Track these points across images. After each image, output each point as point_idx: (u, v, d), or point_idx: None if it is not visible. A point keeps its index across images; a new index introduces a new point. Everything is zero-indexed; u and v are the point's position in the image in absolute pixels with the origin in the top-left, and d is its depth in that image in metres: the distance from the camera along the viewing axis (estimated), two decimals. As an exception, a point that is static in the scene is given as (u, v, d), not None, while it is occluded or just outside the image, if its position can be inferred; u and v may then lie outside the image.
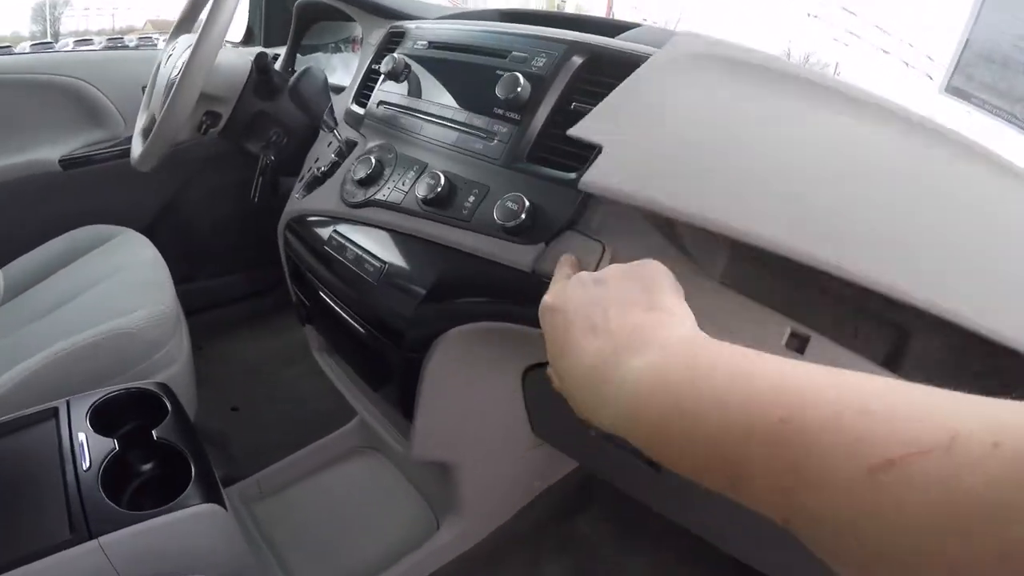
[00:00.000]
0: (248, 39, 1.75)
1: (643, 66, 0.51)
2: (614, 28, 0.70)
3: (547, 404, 0.65)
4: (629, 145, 0.48)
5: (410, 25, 0.85)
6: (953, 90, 0.79)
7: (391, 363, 0.65)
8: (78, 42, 2.03)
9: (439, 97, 0.71)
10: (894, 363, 0.49)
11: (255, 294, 1.35)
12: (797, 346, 0.45)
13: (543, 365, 0.58)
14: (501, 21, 0.89)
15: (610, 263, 0.48)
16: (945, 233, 0.39)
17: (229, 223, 1.30)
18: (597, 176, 0.48)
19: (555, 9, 3.12)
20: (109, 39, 2.07)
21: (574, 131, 0.51)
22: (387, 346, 0.64)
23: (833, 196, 0.41)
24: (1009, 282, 0.38)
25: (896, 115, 0.45)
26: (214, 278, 1.32)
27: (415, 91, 0.75)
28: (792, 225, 0.40)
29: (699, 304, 0.35)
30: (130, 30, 2.35)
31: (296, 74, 0.82)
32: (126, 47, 1.78)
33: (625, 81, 0.51)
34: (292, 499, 1.00)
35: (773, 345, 0.45)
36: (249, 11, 1.74)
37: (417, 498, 0.90)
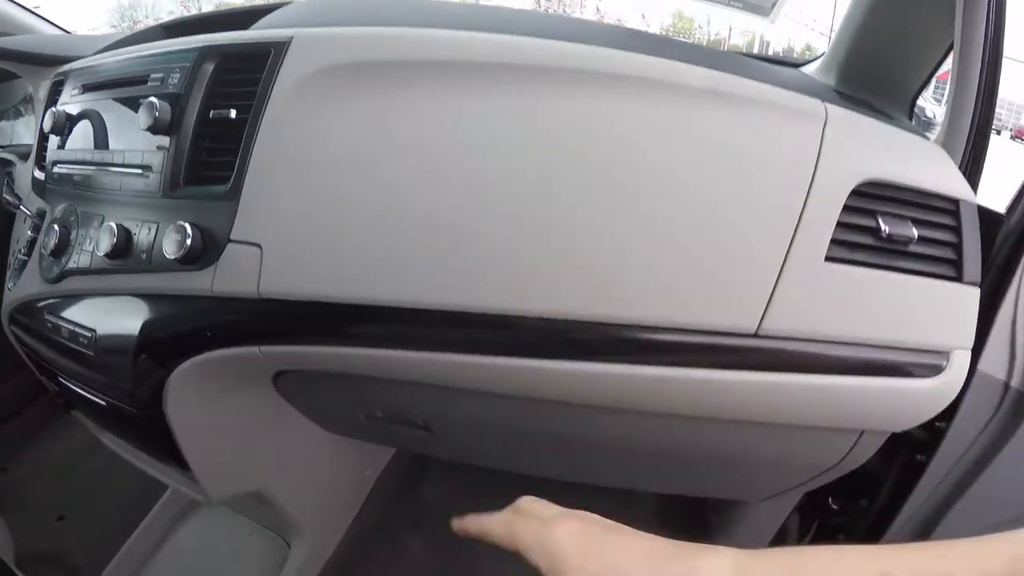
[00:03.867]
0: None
1: (268, 110, 0.50)
2: (258, 15, 0.68)
3: (312, 401, 0.65)
4: (285, 237, 0.48)
5: (70, 68, 0.77)
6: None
7: (140, 424, 0.61)
8: None
9: (100, 143, 0.65)
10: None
11: (34, 396, 1.21)
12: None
13: (289, 371, 0.57)
14: (166, 37, 0.83)
15: (261, 263, 0.48)
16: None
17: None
18: (270, 284, 0.48)
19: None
20: None
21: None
22: (128, 410, 0.61)
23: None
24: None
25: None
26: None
27: (81, 142, 0.68)
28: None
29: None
30: None
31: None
32: None
33: (257, 140, 0.50)
34: (148, 583, 0.95)
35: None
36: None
37: (260, 530, 0.88)
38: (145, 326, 0.56)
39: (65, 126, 0.69)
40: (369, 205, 0.46)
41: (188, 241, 0.50)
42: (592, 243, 0.42)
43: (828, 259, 0.44)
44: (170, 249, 0.51)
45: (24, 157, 0.89)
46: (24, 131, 0.99)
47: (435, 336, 0.45)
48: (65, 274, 0.64)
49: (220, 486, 0.67)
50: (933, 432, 0.68)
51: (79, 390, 0.67)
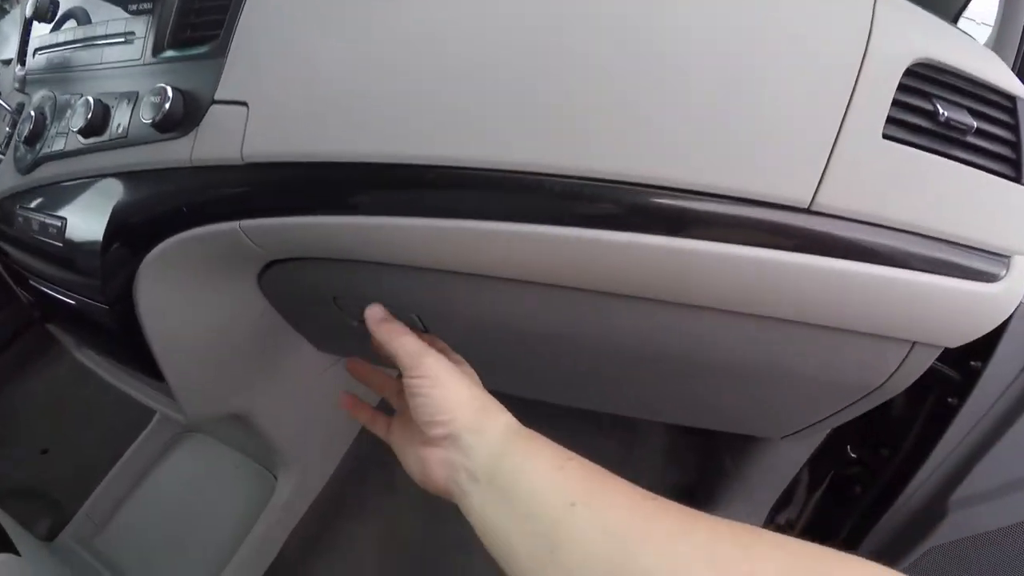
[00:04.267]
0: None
1: None
2: None
3: (300, 308, 0.58)
4: (274, 96, 0.42)
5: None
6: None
7: (111, 326, 0.55)
8: None
9: (83, 20, 0.59)
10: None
11: (22, 329, 1.15)
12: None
13: (281, 262, 0.51)
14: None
15: (247, 123, 0.42)
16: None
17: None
18: (255, 146, 0.42)
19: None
20: None
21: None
22: (98, 308, 0.54)
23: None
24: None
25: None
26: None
27: (64, 24, 0.62)
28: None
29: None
30: None
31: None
32: None
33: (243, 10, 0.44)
34: (129, 518, 0.89)
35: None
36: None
37: (246, 462, 0.82)
38: (116, 208, 0.50)
39: (48, 10, 0.63)
40: (368, 52, 0.39)
41: (167, 105, 0.44)
42: (625, 92, 0.36)
43: (885, 137, 0.38)
44: (148, 114, 0.45)
45: (8, 63, 0.83)
46: (10, 29, 0.92)
47: (435, 198, 0.38)
48: (39, 161, 0.57)
49: (198, 403, 0.61)
50: (967, 373, 0.62)
51: (50, 291, 0.61)
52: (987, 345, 0.60)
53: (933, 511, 0.65)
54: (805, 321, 0.41)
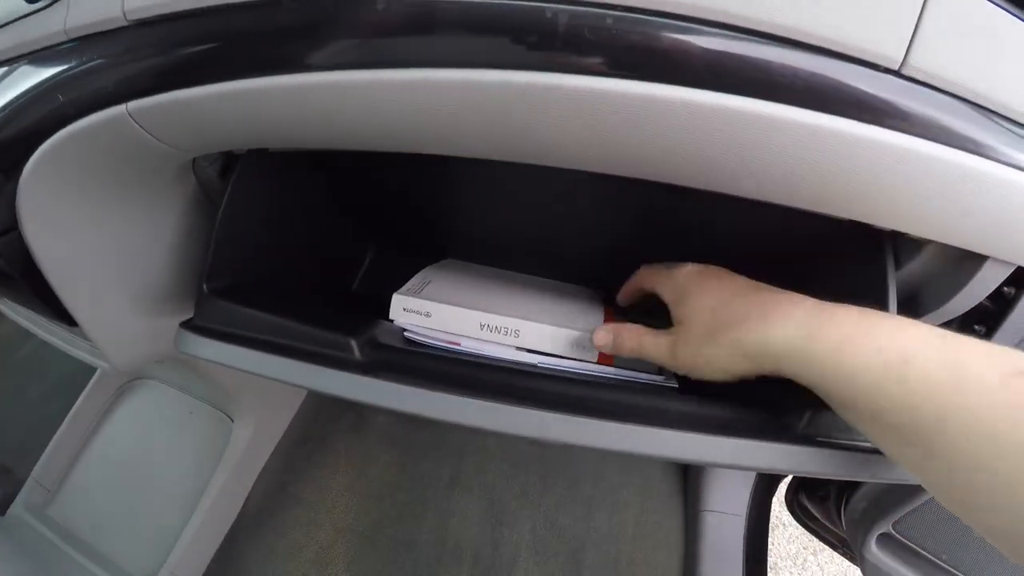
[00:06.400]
0: None
1: None
2: None
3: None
4: None
5: None
6: None
7: (4, 264, 0.43)
8: None
9: None
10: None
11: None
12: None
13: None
14: None
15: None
16: None
17: None
18: None
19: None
20: None
21: None
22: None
23: None
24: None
25: None
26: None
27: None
28: None
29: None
30: None
31: None
32: None
33: None
34: (82, 480, 0.78)
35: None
36: None
37: (201, 406, 0.71)
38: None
39: None
40: None
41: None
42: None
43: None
44: None
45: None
46: None
47: (400, 45, 0.27)
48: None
49: (123, 348, 0.50)
50: (999, 299, 0.54)
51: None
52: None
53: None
54: (864, 217, 0.32)
